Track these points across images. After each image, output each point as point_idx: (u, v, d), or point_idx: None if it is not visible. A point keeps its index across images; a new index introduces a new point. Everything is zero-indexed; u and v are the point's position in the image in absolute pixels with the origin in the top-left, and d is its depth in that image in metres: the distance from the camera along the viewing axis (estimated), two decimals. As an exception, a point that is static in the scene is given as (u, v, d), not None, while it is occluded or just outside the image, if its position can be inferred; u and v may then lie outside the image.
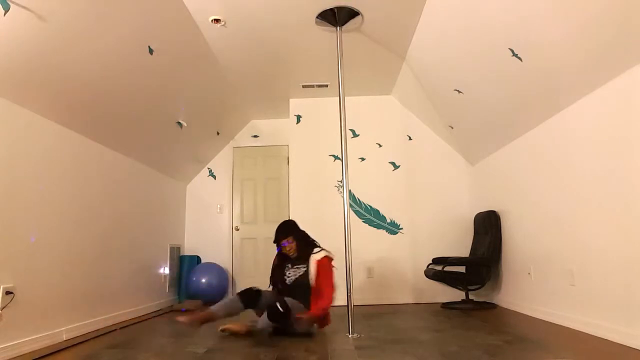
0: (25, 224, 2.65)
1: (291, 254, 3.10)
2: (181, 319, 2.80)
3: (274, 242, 3.16)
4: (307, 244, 3.11)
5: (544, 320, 3.26)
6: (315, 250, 3.06)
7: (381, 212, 4.83)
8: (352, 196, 4.85)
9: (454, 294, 4.59)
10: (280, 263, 3.18)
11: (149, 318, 3.96)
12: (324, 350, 2.46)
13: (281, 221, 3.24)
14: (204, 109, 4.62)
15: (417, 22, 3.46)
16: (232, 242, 5.52)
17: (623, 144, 2.46)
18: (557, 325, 3.06)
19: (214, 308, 2.93)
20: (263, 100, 5.14)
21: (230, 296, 2.75)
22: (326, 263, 2.98)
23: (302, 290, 2.97)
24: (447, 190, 4.92)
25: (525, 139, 3.62)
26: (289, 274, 3.09)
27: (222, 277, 4.98)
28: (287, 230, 3.14)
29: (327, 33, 3.59)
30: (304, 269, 3.02)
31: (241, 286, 5.43)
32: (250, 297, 2.96)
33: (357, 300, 4.76)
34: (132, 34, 2.94)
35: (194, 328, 2.96)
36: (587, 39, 2.41)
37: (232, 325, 2.89)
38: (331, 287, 2.93)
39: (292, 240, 3.10)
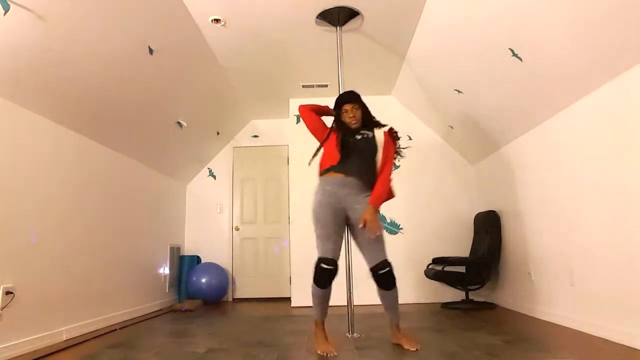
0: (26, 224, 2.65)
1: (353, 123, 2.63)
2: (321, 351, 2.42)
3: (336, 106, 2.70)
4: (370, 117, 2.72)
5: (544, 320, 3.26)
6: (379, 126, 2.70)
7: (381, 212, 4.82)
8: (352, 196, 4.84)
9: (454, 294, 4.59)
10: (339, 132, 2.65)
11: (149, 318, 3.96)
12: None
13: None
14: (204, 109, 4.62)
15: (417, 22, 3.46)
16: (232, 242, 5.52)
17: (623, 143, 2.46)
18: (557, 325, 3.06)
19: (319, 317, 2.54)
20: (263, 100, 5.13)
21: (317, 293, 2.46)
22: (390, 137, 2.65)
23: (369, 153, 2.57)
24: (447, 190, 4.91)
25: (525, 139, 3.62)
26: (361, 133, 2.64)
27: (222, 277, 4.98)
28: (355, 96, 2.69)
29: (327, 33, 3.59)
30: (371, 135, 2.63)
31: (241, 286, 5.44)
32: (334, 276, 2.49)
33: (357, 300, 4.75)
34: (132, 33, 2.94)
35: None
36: (587, 39, 2.41)
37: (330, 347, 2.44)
38: (392, 163, 2.64)
39: (358, 108, 2.66)
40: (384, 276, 2.46)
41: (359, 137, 2.61)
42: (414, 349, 2.39)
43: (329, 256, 2.44)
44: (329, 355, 2.33)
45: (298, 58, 4.08)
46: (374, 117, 2.75)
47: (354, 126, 2.64)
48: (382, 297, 2.55)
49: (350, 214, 2.52)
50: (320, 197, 2.52)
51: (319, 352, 2.38)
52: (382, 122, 2.74)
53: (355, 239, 2.58)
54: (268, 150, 5.73)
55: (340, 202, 2.50)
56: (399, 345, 2.51)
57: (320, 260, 2.45)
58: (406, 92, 4.77)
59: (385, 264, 2.47)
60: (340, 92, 3.30)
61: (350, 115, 2.64)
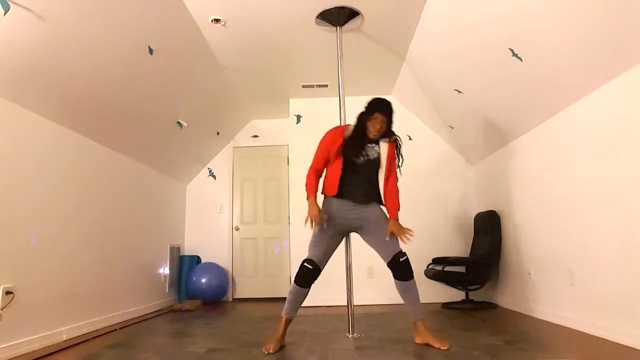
0: (25, 224, 2.65)
1: (374, 133, 2.61)
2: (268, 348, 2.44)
3: (368, 108, 2.62)
4: (391, 130, 2.72)
5: (544, 320, 3.26)
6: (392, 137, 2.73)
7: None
8: (352, 196, 4.84)
9: (454, 294, 4.59)
10: (355, 139, 2.65)
11: (149, 318, 3.96)
12: (324, 350, 2.46)
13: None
14: (204, 109, 4.62)
15: (417, 22, 3.46)
16: (232, 242, 5.52)
17: (623, 144, 2.46)
18: (557, 325, 3.06)
19: (288, 314, 2.58)
20: (263, 100, 5.13)
21: (294, 290, 2.56)
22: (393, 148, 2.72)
23: (371, 171, 2.67)
24: (447, 190, 4.91)
25: (525, 139, 3.62)
26: (365, 153, 2.65)
27: (222, 277, 4.98)
28: (390, 109, 2.64)
29: (327, 33, 3.59)
30: (377, 151, 2.68)
31: (241, 286, 5.44)
32: (314, 278, 2.58)
33: (357, 300, 4.75)
34: (132, 33, 2.94)
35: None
36: (587, 39, 2.41)
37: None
38: (396, 172, 2.78)
39: (386, 122, 2.63)
40: (403, 264, 2.55)
41: (362, 159, 2.63)
42: (445, 348, 2.37)
43: (313, 259, 2.57)
44: (265, 351, 2.42)
45: (298, 58, 4.08)
46: (393, 131, 2.74)
47: (372, 136, 2.63)
48: (402, 291, 2.57)
49: (361, 223, 2.64)
50: (326, 210, 2.64)
51: (263, 349, 2.45)
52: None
53: (369, 239, 2.67)
54: (268, 150, 5.72)
55: (346, 217, 2.63)
56: (425, 345, 2.46)
57: (304, 260, 2.58)
58: (406, 92, 4.77)
59: (403, 253, 2.58)
60: (339, 95, 3.32)
61: (377, 126, 2.60)
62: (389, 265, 2.57)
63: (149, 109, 3.76)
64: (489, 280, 4.16)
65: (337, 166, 2.64)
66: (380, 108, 2.62)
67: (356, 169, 2.63)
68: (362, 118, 2.64)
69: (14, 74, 2.45)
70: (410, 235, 2.58)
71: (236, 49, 3.82)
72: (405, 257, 2.57)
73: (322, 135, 2.73)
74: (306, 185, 2.71)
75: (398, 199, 2.73)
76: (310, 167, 2.72)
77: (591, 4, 2.21)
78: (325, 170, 2.73)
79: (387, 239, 2.58)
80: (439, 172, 4.95)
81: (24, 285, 2.60)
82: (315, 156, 2.72)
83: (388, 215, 2.68)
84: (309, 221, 2.59)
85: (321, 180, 2.77)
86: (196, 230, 5.52)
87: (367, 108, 2.66)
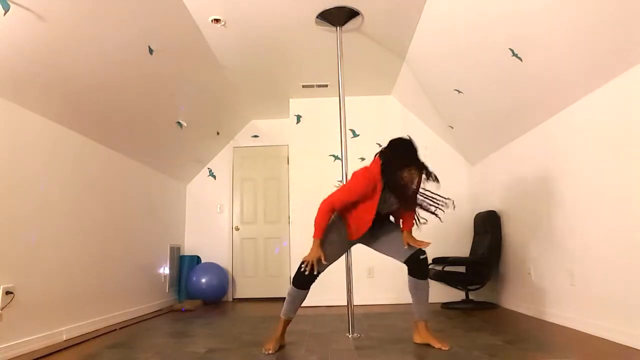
0: (26, 224, 2.65)
1: (411, 189, 2.50)
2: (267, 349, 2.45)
3: (403, 160, 2.44)
4: None
5: (544, 320, 3.26)
6: None
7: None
8: (352, 196, 4.83)
9: (454, 294, 4.59)
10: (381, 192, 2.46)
11: (149, 318, 3.96)
12: (324, 350, 2.46)
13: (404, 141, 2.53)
14: (204, 109, 4.62)
15: (417, 22, 3.46)
16: (232, 242, 5.52)
17: (623, 144, 2.46)
18: (557, 325, 3.06)
19: (286, 315, 2.56)
20: (263, 100, 5.14)
21: (292, 292, 2.52)
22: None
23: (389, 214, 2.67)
24: (447, 190, 4.88)
25: (525, 138, 3.62)
26: (389, 202, 2.54)
27: (222, 277, 4.98)
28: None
29: (327, 33, 3.59)
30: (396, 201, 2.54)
31: (241, 286, 5.44)
32: (312, 280, 2.52)
33: (357, 300, 4.76)
34: (132, 34, 2.94)
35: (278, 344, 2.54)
36: (588, 39, 2.41)
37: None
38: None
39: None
40: (423, 261, 2.54)
41: (385, 209, 2.58)
42: (446, 348, 2.37)
43: None
44: (265, 351, 2.42)
45: (298, 58, 4.09)
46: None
47: (409, 192, 2.51)
48: (414, 288, 2.55)
49: (369, 236, 2.60)
50: (339, 226, 2.55)
51: (263, 349, 2.45)
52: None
53: (383, 242, 2.64)
54: (268, 150, 5.73)
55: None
56: (425, 345, 2.47)
57: (302, 262, 2.50)
58: (406, 92, 4.77)
59: (424, 251, 2.56)
60: (339, 95, 3.30)
61: (412, 184, 2.50)
62: (407, 261, 2.52)
63: (149, 109, 3.76)
64: (489, 280, 4.16)
65: (369, 214, 2.45)
66: (419, 164, 2.47)
67: (379, 214, 2.55)
68: (395, 167, 2.43)
69: (14, 74, 2.45)
70: (427, 244, 2.55)
71: (236, 49, 3.82)
72: (426, 255, 2.54)
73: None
74: (316, 225, 2.45)
75: (414, 221, 2.67)
76: (328, 204, 2.44)
77: (591, 4, 2.21)
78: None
79: (405, 247, 2.55)
80: (439, 172, 4.92)
81: (24, 285, 2.60)
82: (342, 196, 2.45)
83: (402, 227, 2.64)
84: (306, 263, 2.47)
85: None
86: (196, 230, 5.52)
87: (400, 158, 2.44)
